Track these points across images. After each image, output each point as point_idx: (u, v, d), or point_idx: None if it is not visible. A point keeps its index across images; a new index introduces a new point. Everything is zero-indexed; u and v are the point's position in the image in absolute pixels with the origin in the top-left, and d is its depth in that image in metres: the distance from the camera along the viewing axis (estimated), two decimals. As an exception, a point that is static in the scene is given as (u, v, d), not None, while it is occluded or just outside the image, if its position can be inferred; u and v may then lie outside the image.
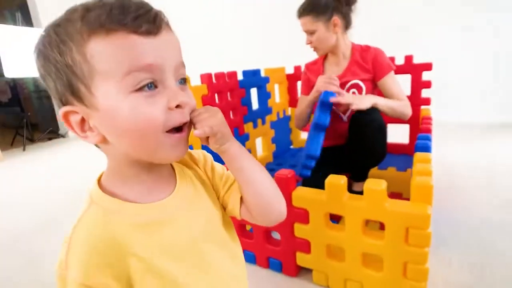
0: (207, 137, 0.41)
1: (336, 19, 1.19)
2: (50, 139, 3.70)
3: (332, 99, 1.02)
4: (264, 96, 1.71)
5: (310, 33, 1.22)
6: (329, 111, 1.02)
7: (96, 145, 0.39)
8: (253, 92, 1.62)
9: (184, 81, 0.39)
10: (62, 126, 3.82)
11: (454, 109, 2.73)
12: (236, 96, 1.47)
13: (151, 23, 0.33)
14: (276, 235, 0.99)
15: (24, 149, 3.20)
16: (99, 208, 0.37)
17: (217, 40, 3.71)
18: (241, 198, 0.46)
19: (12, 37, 3.13)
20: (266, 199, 0.45)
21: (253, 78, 1.61)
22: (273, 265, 0.98)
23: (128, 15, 0.32)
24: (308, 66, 1.41)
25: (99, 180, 0.40)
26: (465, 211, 1.24)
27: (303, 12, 1.21)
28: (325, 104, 1.02)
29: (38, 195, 1.90)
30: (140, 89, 0.33)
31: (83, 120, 0.36)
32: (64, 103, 0.35)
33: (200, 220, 0.43)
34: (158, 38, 0.34)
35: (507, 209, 1.22)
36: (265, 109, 1.71)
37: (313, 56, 1.41)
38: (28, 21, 3.69)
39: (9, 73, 3.12)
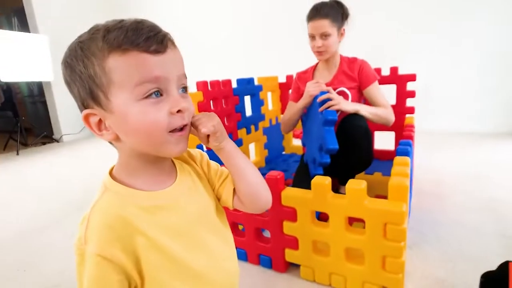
0: (208, 137, 0.49)
1: (343, 29, 1.30)
2: (44, 143, 3.71)
3: (323, 96, 1.15)
4: (257, 103, 1.78)
5: (325, 35, 1.26)
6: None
7: (110, 142, 0.46)
8: (247, 99, 1.69)
9: (185, 89, 0.46)
10: (57, 130, 3.84)
11: (441, 119, 2.85)
12: (231, 103, 1.55)
13: (159, 43, 0.41)
14: (266, 233, 1.05)
15: (17, 153, 3.22)
16: (113, 193, 0.44)
17: (213, 49, 3.80)
18: (234, 190, 0.54)
19: (8, 42, 3.17)
20: (256, 188, 0.54)
21: (247, 86, 1.69)
22: (264, 262, 1.04)
23: (141, 37, 0.39)
24: (299, 74, 1.48)
25: (110, 172, 0.47)
26: (444, 212, 1.32)
27: (322, 14, 1.25)
28: (325, 103, 1.15)
29: (32, 199, 1.92)
30: (148, 96, 0.41)
31: (100, 121, 0.43)
32: (85, 106, 0.43)
33: (197, 207, 0.50)
34: (165, 55, 0.41)
35: (479, 211, 1.31)
36: (258, 116, 1.79)
37: (304, 66, 1.49)
38: (24, 26, 3.74)
39: (4, 78, 3.15)
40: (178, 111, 0.42)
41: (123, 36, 0.39)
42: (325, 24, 1.25)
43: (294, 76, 1.51)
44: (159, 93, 0.41)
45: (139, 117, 0.40)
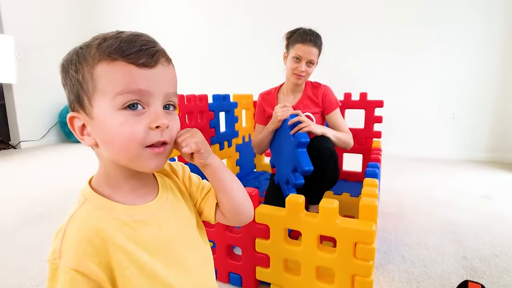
0: (191, 155, 0.48)
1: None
2: (-2, 149, 3.45)
3: (294, 119, 1.17)
4: (231, 120, 1.79)
5: (311, 63, 1.31)
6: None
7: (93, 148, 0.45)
8: (222, 115, 1.70)
9: (172, 107, 0.46)
10: (14, 136, 3.60)
11: (405, 144, 3.02)
12: (205, 118, 1.54)
13: (149, 57, 0.41)
14: (237, 251, 1.04)
15: (-33, 159, 2.96)
16: (92, 205, 0.42)
17: (190, 65, 3.79)
18: (217, 204, 0.54)
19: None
20: (239, 202, 0.54)
21: (223, 102, 1.70)
22: (233, 280, 1.02)
23: (132, 48, 0.40)
24: (263, 95, 1.51)
25: (89, 182, 0.45)
26: (407, 234, 1.38)
27: (315, 43, 1.29)
28: (295, 125, 1.18)
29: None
30: (128, 107, 0.40)
31: (83, 126, 0.43)
32: (72, 109, 0.43)
33: (177, 223, 0.49)
34: (153, 70, 0.41)
35: (440, 233, 1.39)
36: (232, 132, 1.80)
37: (275, 85, 1.53)
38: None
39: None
40: (157, 127, 0.42)
41: (116, 46, 0.39)
42: (315, 53, 1.30)
43: (258, 96, 1.53)
44: (140, 105, 0.41)
45: (116, 127, 0.40)
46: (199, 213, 0.56)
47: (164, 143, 0.43)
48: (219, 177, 0.51)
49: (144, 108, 0.41)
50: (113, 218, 0.42)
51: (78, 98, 0.41)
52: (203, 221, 0.57)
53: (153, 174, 0.51)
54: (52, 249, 0.38)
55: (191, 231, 0.52)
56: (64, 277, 0.36)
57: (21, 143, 3.56)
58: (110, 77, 0.39)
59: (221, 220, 0.55)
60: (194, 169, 0.58)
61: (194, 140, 0.46)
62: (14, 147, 3.56)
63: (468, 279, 0.83)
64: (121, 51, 0.39)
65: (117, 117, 0.40)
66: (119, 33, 0.41)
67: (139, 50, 0.40)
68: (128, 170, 0.44)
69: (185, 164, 0.59)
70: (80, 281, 0.37)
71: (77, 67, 0.40)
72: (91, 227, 0.39)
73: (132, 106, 0.40)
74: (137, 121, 0.40)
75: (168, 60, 0.45)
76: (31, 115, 3.67)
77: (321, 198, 1.33)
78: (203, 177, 0.58)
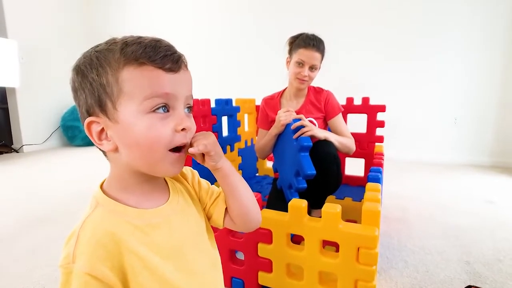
0: (203, 157, 0.49)
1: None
2: (0, 153, 3.46)
3: (297, 124, 1.18)
4: (234, 124, 1.80)
5: (314, 68, 1.32)
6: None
7: (104, 155, 0.46)
8: (224, 120, 1.70)
9: (190, 109, 0.47)
10: (17, 140, 3.61)
11: (406, 149, 3.02)
12: (208, 122, 1.55)
13: (174, 63, 0.42)
14: (239, 255, 1.04)
15: (-30, 163, 2.97)
16: (104, 209, 0.42)
17: (192, 69, 3.82)
18: (226, 209, 0.54)
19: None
20: (248, 208, 0.54)
21: (225, 106, 1.70)
22: (236, 285, 1.01)
23: (158, 54, 0.41)
24: (266, 100, 1.51)
25: (101, 186, 0.45)
26: (410, 238, 1.38)
27: (318, 48, 1.30)
28: (298, 130, 1.19)
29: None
30: (155, 111, 0.41)
31: (102, 130, 0.43)
32: (90, 114, 0.42)
33: (188, 227, 0.49)
34: (177, 75, 0.43)
35: (443, 238, 1.38)
36: (234, 136, 1.80)
37: (277, 89, 1.53)
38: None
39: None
40: (183, 129, 0.43)
41: (142, 51, 0.40)
42: (318, 58, 1.31)
43: (261, 101, 1.54)
44: (166, 108, 0.42)
45: (144, 130, 0.41)
46: (208, 218, 0.56)
47: (184, 146, 0.45)
48: (230, 181, 0.52)
49: (169, 111, 0.43)
50: (125, 222, 0.42)
51: (100, 102, 0.41)
52: (211, 226, 0.57)
53: (164, 179, 0.51)
54: (65, 254, 0.38)
55: (201, 235, 0.52)
56: (78, 281, 0.36)
57: (23, 146, 3.58)
58: (138, 81, 0.40)
59: (229, 225, 0.56)
60: (206, 173, 0.59)
61: (204, 141, 0.47)
62: (16, 151, 3.57)
63: (471, 285, 0.82)
64: (147, 56, 0.40)
65: (145, 120, 0.41)
66: (140, 38, 0.42)
67: (164, 56, 0.41)
68: (142, 175, 0.45)
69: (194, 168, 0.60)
70: (93, 285, 0.37)
71: (99, 71, 0.40)
72: (104, 231, 0.40)
73: (158, 110, 0.41)
74: (164, 124, 0.42)
75: (186, 64, 0.46)
76: (34, 119, 3.69)
77: (324, 203, 1.33)
78: (212, 182, 0.59)
